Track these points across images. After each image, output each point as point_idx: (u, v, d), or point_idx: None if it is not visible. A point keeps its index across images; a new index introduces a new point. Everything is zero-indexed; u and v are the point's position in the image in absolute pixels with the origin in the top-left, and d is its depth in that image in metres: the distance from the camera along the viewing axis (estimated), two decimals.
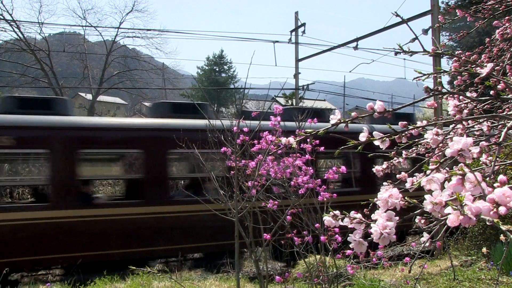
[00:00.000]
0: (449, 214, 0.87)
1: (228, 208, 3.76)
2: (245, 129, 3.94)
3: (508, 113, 1.82)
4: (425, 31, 2.34)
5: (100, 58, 31.42)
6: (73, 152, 7.11)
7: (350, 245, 1.12)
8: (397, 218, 1.06)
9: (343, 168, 3.65)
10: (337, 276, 3.97)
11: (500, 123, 1.69)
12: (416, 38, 1.69)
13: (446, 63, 22.79)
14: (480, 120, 1.68)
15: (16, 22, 25.45)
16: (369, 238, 1.08)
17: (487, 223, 0.86)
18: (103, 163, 9.22)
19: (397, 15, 1.82)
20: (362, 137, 1.28)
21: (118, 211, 7.37)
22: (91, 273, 6.55)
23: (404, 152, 1.96)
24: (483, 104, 1.74)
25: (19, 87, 28.31)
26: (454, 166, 1.31)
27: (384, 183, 1.46)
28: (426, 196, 0.95)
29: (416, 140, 1.87)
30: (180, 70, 41.09)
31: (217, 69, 51.20)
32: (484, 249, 5.54)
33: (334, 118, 1.31)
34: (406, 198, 1.09)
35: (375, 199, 1.14)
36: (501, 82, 1.60)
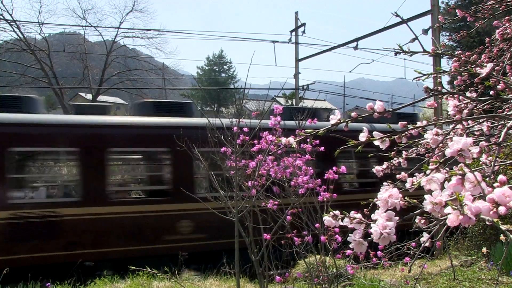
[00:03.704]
0: (449, 214, 0.87)
1: (228, 207, 3.76)
2: (245, 129, 3.94)
3: (508, 113, 1.82)
4: (425, 31, 2.34)
5: (100, 58, 31.42)
6: None
7: (350, 245, 1.12)
8: (397, 218, 1.06)
9: (343, 168, 3.65)
10: (337, 276, 3.97)
11: (500, 123, 1.69)
12: (416, 38, 1.69)
13: (446, 63, 22.78)
14: (480, 120, 1.69)
15: (16, 22, 25.46)
16: (369, 238, 1.08)
17: (487, 223, 0.86)
18: None
19: (397, 15, 1.82)
20: (362, 137, 1.28)
21: None
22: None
23: (404, 152, 1.96)
24: (483, 104, 1.74)
25: (19, 87, 28.31)
26: (454, 166, 1.31)
27: (384, 183, 1.46)
28: (426, 196, 0.95)
29: (416, 140, 1.87)
30: (180, 70, 41.07)
31: (217, 69, 51.21)
32: (484, 249, 5.54)
33: (334, 118, 1.31)
34: (406, 198, 1.10)
35: (375, 199, 1.14)
36: (501, 82, 1.60)
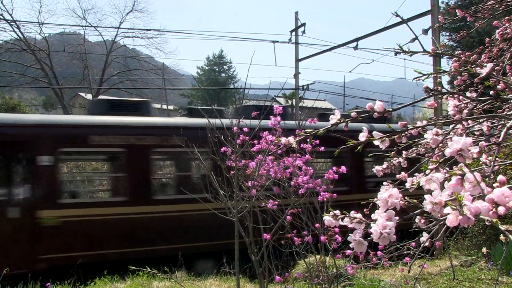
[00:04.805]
0: (448, 214, 0.87)
1: (228, 207, 3.76)
2: (245, 129, 3.94)
3: (508, 113, 1.82)
4: (425, 31, 2.34)
5: (100, 58, 31.44)
6: None
7: (350, 245, 1.12)
8: (397, 218, 1.06)
9: (343, 168, 3.64)
10: (337, 276, 3.97)
11: (500, 123, 1.69)
12: (416, 38, 1.70)
13: (446, 63, 22.77)
14: (480, 120, 1.69)
15: (16, 22, 25.51)
16: (369, 238, 1.08)
17: (486, 223, 0.86)
18: None
19: (397, 15, 1.82)
20: (362, 137, 1.28)
21: None
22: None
23: (404, 152, 1.96)
24: (483, 104, 1.74)
25: (19, 87, 28.33)
26: (454, 166, 1.31)
27: (384, 183, 1.46)
28: (426, 196, 0.95)
29: (416, 140, 1.87)
30: (180, 70, 41.10)
31: (217, 69, 51.23)
32: (484, 249, 5.54)
33: (334, 118, 1.32)
34: (406, 198, 1.10)
35: (375, 198, 1.14)
36: (501, 82, 1.60)
